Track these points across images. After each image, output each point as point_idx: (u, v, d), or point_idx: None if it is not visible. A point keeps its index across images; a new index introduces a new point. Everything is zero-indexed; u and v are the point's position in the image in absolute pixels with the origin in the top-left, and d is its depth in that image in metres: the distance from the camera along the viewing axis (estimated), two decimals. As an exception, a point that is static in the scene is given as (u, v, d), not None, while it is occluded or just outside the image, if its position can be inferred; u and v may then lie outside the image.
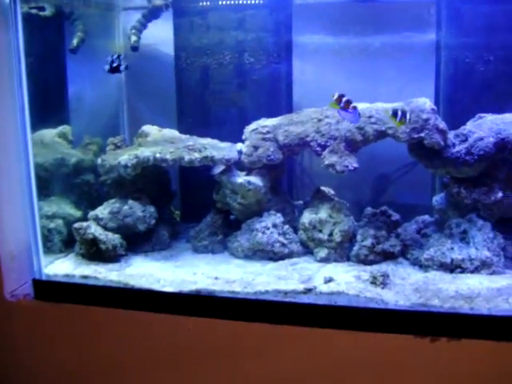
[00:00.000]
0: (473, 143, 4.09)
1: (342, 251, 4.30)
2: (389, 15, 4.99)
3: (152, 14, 5.07)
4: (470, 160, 4.08)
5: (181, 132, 4.97)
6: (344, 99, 3.87)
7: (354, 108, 3.90)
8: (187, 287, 3.87)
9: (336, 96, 3.88)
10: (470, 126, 4.30)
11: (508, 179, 4.23)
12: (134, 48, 4.99)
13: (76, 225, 4.35)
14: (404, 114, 3.97)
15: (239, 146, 4.54)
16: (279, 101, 5.04)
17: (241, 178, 4.41)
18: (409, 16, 4.94)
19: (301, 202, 4.80)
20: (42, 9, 4.70)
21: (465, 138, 4.16)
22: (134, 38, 4.99)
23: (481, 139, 4.08)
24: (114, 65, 4.33)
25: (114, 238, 4.35)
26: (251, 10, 4.94)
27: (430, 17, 4.91)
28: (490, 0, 4.65)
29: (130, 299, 3.94)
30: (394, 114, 3.97)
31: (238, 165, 4.53)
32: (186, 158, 4.29)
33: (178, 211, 5.29)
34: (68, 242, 4.62)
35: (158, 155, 4.31)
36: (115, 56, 4.32)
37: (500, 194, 4.15)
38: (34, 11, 4.59)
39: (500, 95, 4.62)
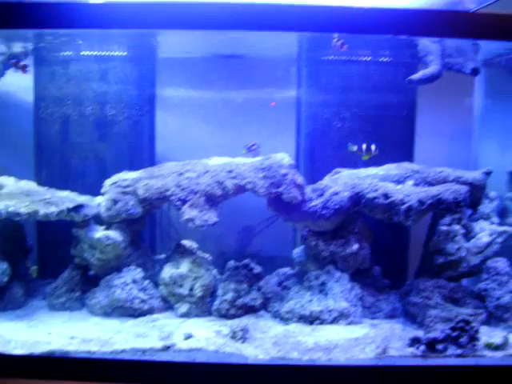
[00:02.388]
0: (329, 197, 4.23)
1: (204, 306, 4.27)
2: (252, 71, 5.13)
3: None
4: (326, 214, 4.20)
5: (39, 184, 4.77)
6: None
7: None
8: (40, 348, 3.66)
9: None
10: (326, 180, 4.46)
11: (363, 232, 4.40)
12: (-9, 96, 4.79)
13: None
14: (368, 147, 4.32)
15: (98, 199, 4.42)
16: (141, 153, 5.00)
17: (99, 233, 4.28)
18: (271, 73, 5.09)
19: (163, 255, 4.72)
20: None
21: (321, 192, 4.30)
22: (-10, 86, 4.80)
23: (336, 194, 4.23)
24: None
25: (-40, 298, 4.07)
26: (114, 62, 4.90)
27: (291, 74, 5.09)
28: (347, 60, 4.89)
29: (-24, 364, 3.68)
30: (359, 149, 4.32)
31: (97, 219, 4.41)
32: (42, 211, 4.12)
33: (35, 267, 5.03)
34: None
35: (11, 209, 4.10)
36: None
37: (356, 246, 4.30)
38: None
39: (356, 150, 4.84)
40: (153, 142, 5.07)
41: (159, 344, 3.69)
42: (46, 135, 4.98)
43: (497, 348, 3.78)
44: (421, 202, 4.12)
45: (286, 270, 4.64)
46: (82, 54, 4.88)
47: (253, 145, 4.34)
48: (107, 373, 3.58)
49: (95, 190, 4.53)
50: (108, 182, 4.47)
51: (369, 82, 4.87)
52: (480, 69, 4.60)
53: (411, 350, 3.73)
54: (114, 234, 4.30)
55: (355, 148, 4.47)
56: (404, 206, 4.15)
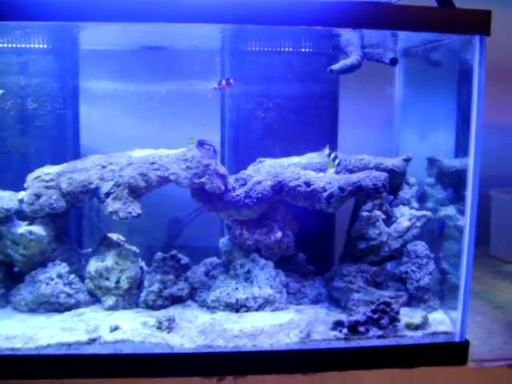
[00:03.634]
0: (251, 187, 4.30)
1: (130, 298, 4.27)
2: (176, 63, 5.13)
3: None
4: (250, 203, 4.27)
5: (-41, 181, 4.67)
6: None
7: None
8: (-39, 349, 3.61)
9: None
10: (250, 170, 4.53)
11: (286, 219, 4.49)
12: None
13: None
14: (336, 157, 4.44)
15: (21, 194, 4.34)
16: (65, 147, 4.93)
17: (22, 228, 4.21)
18: (195, 64, 5.11)
19: (90, 249, 4.69)
20: None
21: (244, 181, 4.37)
22: None
23: (259, 183, 4.30)
24: None
25: None
26: (35, 55, 4.80)
27: (214, 65, 5.12)
28: (269, 51, 4.95)
29: None
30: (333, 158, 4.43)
31: (20, 214, 4.34)
32: (-39, 209, 4.05)
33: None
34: None
35: None
36: None
37: (279, 234, 4.39)
38: None
39: (279, 140, 4.92)
40: (77, 135, 5.01)
41: (85, 337, 3.69)
42: (-35, 131, 4.86)
43: (417, 328, 3.95)
44: (341, 189, 4.23)
45: (213, 259, 4.70)
46: (-1, 45, 4.79)
47: None
48: (32, 369, 3.57)
49: (18, 185, 4.45)
50: (30, 177, 4.39)
51: (291, 73, 4.93)
52: (398, 59, 4.72)
53: (334, 333, 3.86)
54: (38, 229, 4.24)
55: (327, 152, 4.54)
56: (325, 194, 4.25)
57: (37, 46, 4.81)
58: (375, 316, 3.90)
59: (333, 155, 4.49)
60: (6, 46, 4.74)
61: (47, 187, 4.30)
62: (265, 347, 3.70)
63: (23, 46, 4.78)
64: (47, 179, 4.33)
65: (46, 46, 4.82)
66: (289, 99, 4.94)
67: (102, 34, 4.64)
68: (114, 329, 3.79)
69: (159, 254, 4.52)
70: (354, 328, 3.86)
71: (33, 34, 4.68)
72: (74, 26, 4.31)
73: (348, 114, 5.19)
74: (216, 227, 5.15)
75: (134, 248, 4.49)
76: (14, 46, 4.76)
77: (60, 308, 4.18)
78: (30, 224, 4.34)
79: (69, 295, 4.21)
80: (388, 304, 3.94)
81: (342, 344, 3.81)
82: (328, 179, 4.33)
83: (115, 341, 3.67)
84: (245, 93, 4.95)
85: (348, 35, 4.50)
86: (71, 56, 4.97)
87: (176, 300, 4.31)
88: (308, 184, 4.30)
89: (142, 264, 4.58)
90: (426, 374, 3.79)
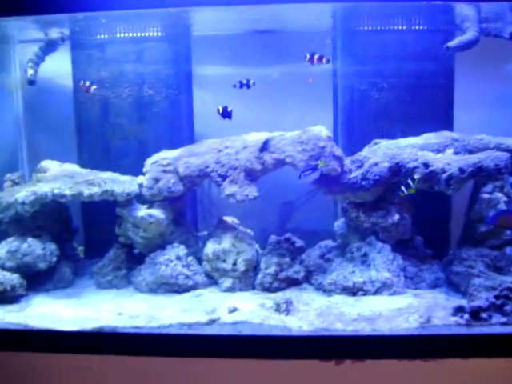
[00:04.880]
0: (368, 168, 4.23)
1: (247, 280, 4.33)
2: (287, 45, 5.12)
3: (48, 46, 4.97)
4: (366, 185, 4.20)
5: (82, 166, 4.87)
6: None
7: None
8: (90, 325, 3.76)
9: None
10: (365, 151, 4.44)
11: (403, 202, 4.38)
12: (31, 82, 4.86)
13: (-30, 266, 4.18)
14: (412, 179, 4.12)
15: (140, 178, 4.49)
16: (180, 132, 5.05)
17: (142, 211, 4.36)
18: (306, 46, 5.05)
19: (206, 232, 4.79)
20: None
21: (361, 163, 4.29)
22: (30, 72, 4.87)
23: (376, 164, 4.22)
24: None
25: (12, 278, 4.18)
26: (149, 43, 4.94)
27: (326, 46, 5.06)
28: (382, 30, 4.83)
29: (30, 341, 3.79)
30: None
31: (139, 198, 4.49)
32: (86, 192, 4.22)
33: (82, 247, 5.16)
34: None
35: (56, 191, 4.22)
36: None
37: (397, 217, 4.29)
38: None
39: (394, 121, 4.80)
40: (191, 120, 5.12)
41: (205, 318, 3.76)
42: (87, 118, 5.08)
43: (543, 315, 3.76)
44: (461, 170, 4.07)
45: (328, 242, 4.66)
46: (117, 36, 4.93)
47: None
48: (155, 347, 3.67)
49: (136, 170, 4.61)
50: (149, 162, 4.54)
51: (405, 51, 4.80)
52: (519, 33, 4.50)
53: (455, 318, 3.73)
54: (157, 212, 4.38)
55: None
56: (445, 175, 4.10)
57: (151, 34, 4.93)
58: (498, 302, 3.73)
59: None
60: (122, 35, 4.90)
61: (165, 171, 4.42)
62: (384, 332, 3.63)
63: (138, 34, 4.91)
64: (165, 163, 4.45)
65: (159, 33, 4.94)
66: (403, 78, 4.82)
67: (212, 20, 4.70)
68: (233, 310, 3.84)
69: (274, 237, 4.54)
70: (475, 314, 3.71)
71: (147, 22, 4.82)
72: (185, 13, 4.39)
73: (464, 93, 4.99)
74: (329, 210, 5.11)
75: (249, 231, 4.54)
76: (130, 35, 4.90)
77: (179, 289, 4.30)
78: (149, 207, 4.48)
79: (187, 277, 4.31)
80: (512, 290, 3.78)
81: (464, 330, 3.68)
82: (447, 160, 4.17)
83: (234, 322, 3.71)
84: (357, 73, 4.87)
85: (464, 10, 4.32)
86: (184, 42, 5.08)
87: (292, 282, 4.33)
88: (426, 165, 4.16)
89: (256, 247, 4.62)
90: (555, 364, 3.60)
